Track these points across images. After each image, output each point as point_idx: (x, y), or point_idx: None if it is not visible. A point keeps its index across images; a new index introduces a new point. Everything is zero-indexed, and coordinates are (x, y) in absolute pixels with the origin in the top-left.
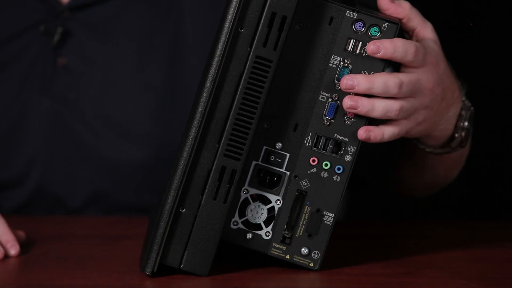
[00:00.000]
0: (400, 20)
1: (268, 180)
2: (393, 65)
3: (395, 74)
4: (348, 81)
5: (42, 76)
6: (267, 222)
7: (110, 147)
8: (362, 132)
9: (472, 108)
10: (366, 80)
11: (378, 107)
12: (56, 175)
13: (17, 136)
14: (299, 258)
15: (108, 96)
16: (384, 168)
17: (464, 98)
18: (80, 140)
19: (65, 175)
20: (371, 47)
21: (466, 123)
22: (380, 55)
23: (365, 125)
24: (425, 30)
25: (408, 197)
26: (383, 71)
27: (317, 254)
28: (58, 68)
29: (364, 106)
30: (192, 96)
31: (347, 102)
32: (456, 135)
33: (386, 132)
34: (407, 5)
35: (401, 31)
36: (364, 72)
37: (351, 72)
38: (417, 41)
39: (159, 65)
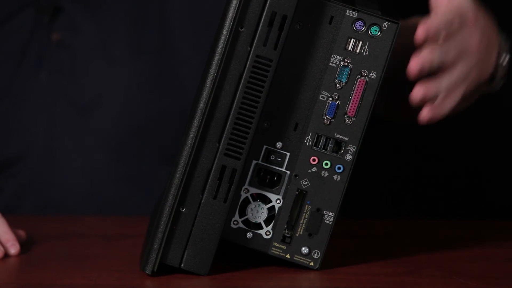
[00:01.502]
0: None
1: (268, 180)
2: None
3: (435, 47)
4: (417, 64)
5: (38, 52)
6: (267, 222)
7: (107, 118)
8: (425, 113)
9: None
10: (429, 56)
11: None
12: (57, 148)
13: (16, 113)
14: (299, 257)
15: (102, 69)
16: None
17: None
18: (78, 112)
19: (65, 148)
20: (419, 32)
21: (506, 59)
22: (431, 33)
23: (364, 126)
24: None
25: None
26: (383, 70)
27: (317, 253)
28: (53, 44)
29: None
30: (185, 65)
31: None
32: (499, 70)
33: (445, 106)
34: None
35: (399, 35)
36: (365, 72)
37: (351, 71)
38: None
39: (150, 36)
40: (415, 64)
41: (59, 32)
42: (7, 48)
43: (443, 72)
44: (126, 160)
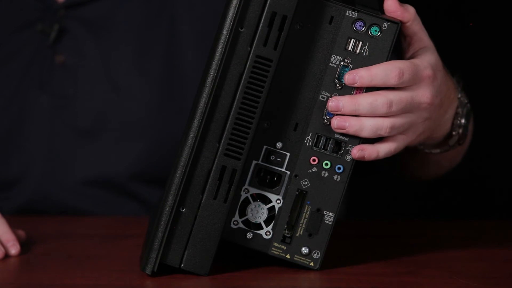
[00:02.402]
0: (403, 23)
1: (268, 180)
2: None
3: (384, 93)
4: (333, 102)
5: (40, 73)
6: (267, 222)
7: (110, 142)
8: (355, 151)
9: (468, 104)
10: (351, 102)
11: (367, 127)
12: (56, 171)
13: (17, 134)
14: (299, 257)
15: (106, 92)
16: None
17: (459, 95)
18: (79, 136)
19: (65, 171)
20: (347, 77)
21: (462, 120)
22: (357, 85)
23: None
24: (425, 37)
25: (415, 180)
26: None
27: (317, 253)
28: (56, 66)
29: (352, 125)
30: (190, 89)
31: (334, 122)
32: (454, 133)
33: (381, 150)
34: (412, 10)
35: (399, 35)
36: None
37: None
38: (416, 49)
39: (156, 60)
40: (330, 102)
41: (63, 54)
42: (9, 68)
43: (372, 116)
44: (128, 184)
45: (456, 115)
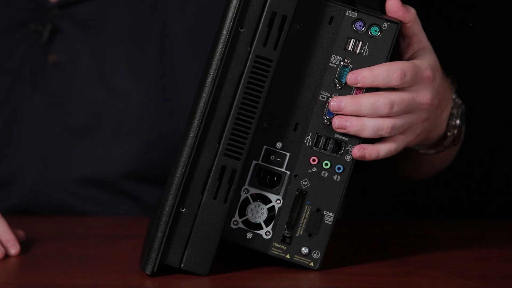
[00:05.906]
0: (404, 24)
1: (268, 180)
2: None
3: (386, 93)
4: (335, 102)
5: (33, 73)
6: (267, 222)
7: (103, 141)
8: (356, 151)
9: (463, 105)
10: (353, 102)
11: (368, 127)
12: (50, 170)
13: (10, 133)
14: (299, 257)
15: (99, 91)
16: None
17: (454, 96)
18: (73, 135)
19: (58, 170)
20: (349, 77)
21: (457, 121)
22: (359, 85)
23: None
24: (423, 38)
25: (407, 181)
26: None
27: (317, 253)
28: (49, 65)
29: (353, 125)
30: (183, 88)
31: (336, 122)
32: (449, 134)
33: (381, 150)
34: (413, 11)
35: (398, 36)
36: None
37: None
38: (415, 50)
39: (148, 59)
40: (332, 102)
41: (56, 54)
42: (2, 68)
43: (373, 116)
44: (122, 182)
45: (451, 116)
